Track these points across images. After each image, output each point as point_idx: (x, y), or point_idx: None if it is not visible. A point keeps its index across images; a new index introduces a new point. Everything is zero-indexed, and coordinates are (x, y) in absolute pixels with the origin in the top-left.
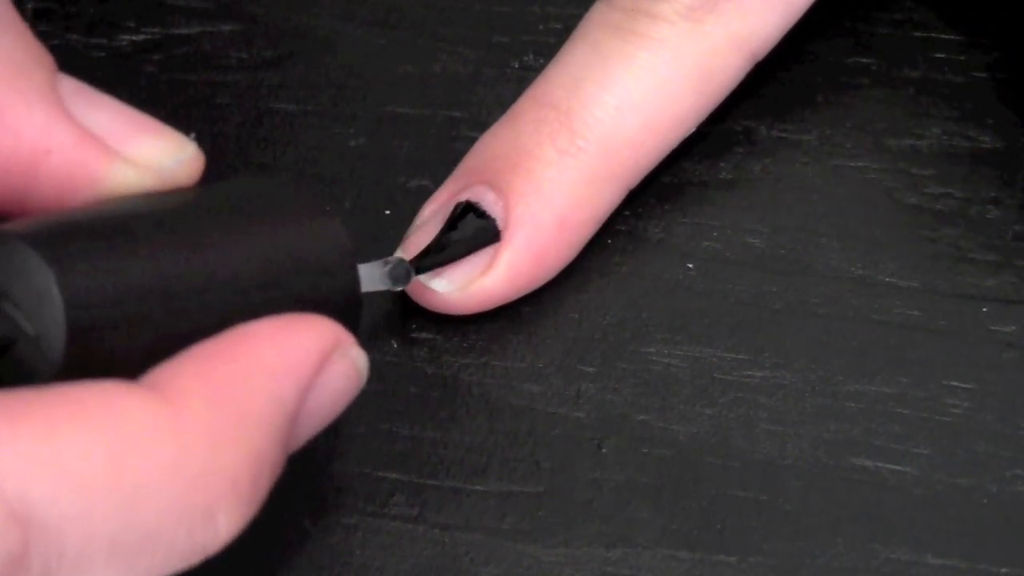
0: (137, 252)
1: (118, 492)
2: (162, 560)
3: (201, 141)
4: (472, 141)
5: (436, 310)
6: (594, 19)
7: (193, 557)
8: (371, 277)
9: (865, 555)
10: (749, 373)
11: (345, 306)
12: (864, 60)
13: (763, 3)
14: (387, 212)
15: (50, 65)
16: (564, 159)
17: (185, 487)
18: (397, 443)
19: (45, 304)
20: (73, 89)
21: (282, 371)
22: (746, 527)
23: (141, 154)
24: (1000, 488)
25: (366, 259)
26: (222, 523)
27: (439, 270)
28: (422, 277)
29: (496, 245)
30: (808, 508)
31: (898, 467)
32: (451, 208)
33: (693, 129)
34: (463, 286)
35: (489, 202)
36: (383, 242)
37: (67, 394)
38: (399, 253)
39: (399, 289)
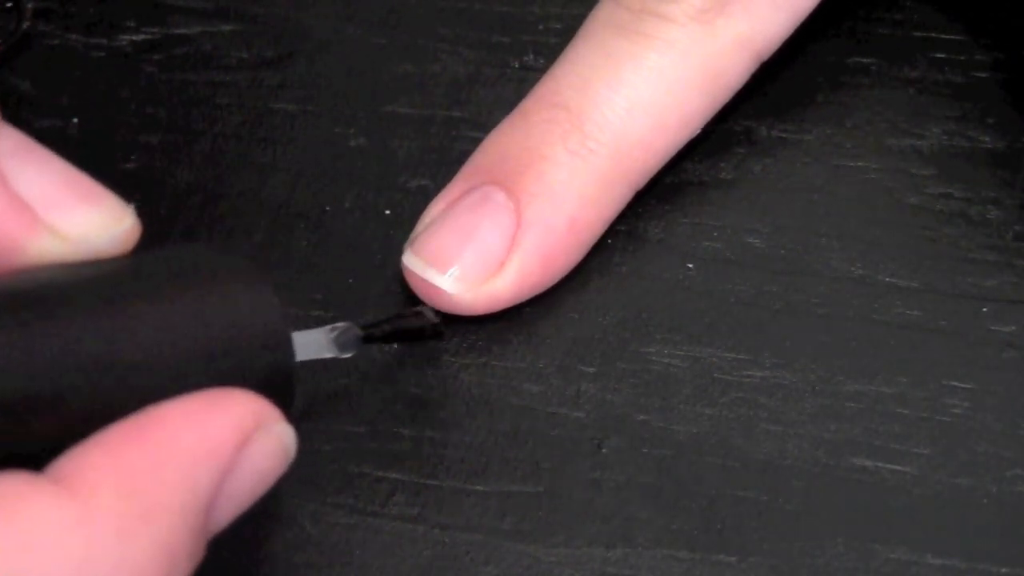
0: (54, 326)
1: None
2: None
3: (201, 141)
4: (472, 141)
5: (443, 310)
6: (601, 19)
7: None
8: (316, 344)
9: (865, 555)
10: (749, 373)
11: (277, 378)
12: (864, 60)
13: (770, 5)
14: (387, 212)
15: None
16: (575, 161)
17: None
18: (397, 443)
19: None
20: (14, 147)
21: (197, 455)
22: (746, 527)
23: (71, 227)
24: (1000, 488)
25: (372, 262)
26: None
27: (452, 267)
28: (429, 274)
29: (508, 246)
30: (808, 508)
31: (898, 467)
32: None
33: (699, 130)
34: (472, 287)
35: (500, 202)
36: (383, 242)
37: None
38: (408, 252)
39: (346, 356)
